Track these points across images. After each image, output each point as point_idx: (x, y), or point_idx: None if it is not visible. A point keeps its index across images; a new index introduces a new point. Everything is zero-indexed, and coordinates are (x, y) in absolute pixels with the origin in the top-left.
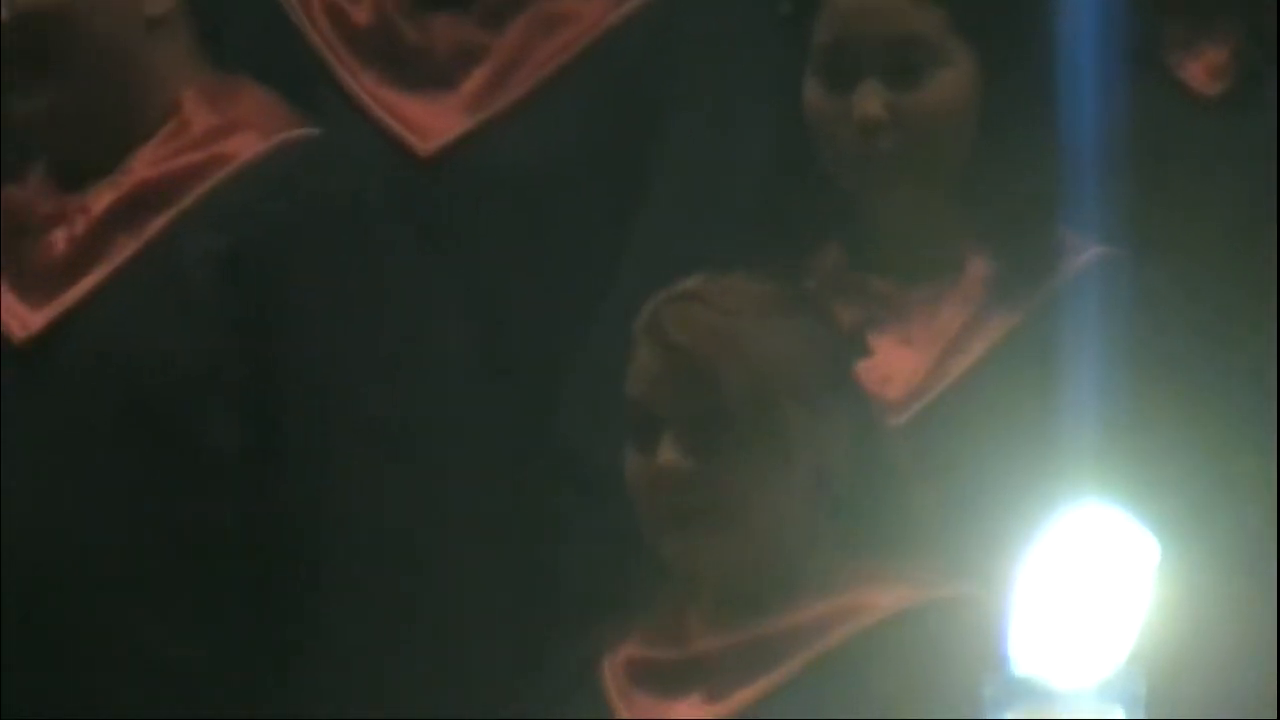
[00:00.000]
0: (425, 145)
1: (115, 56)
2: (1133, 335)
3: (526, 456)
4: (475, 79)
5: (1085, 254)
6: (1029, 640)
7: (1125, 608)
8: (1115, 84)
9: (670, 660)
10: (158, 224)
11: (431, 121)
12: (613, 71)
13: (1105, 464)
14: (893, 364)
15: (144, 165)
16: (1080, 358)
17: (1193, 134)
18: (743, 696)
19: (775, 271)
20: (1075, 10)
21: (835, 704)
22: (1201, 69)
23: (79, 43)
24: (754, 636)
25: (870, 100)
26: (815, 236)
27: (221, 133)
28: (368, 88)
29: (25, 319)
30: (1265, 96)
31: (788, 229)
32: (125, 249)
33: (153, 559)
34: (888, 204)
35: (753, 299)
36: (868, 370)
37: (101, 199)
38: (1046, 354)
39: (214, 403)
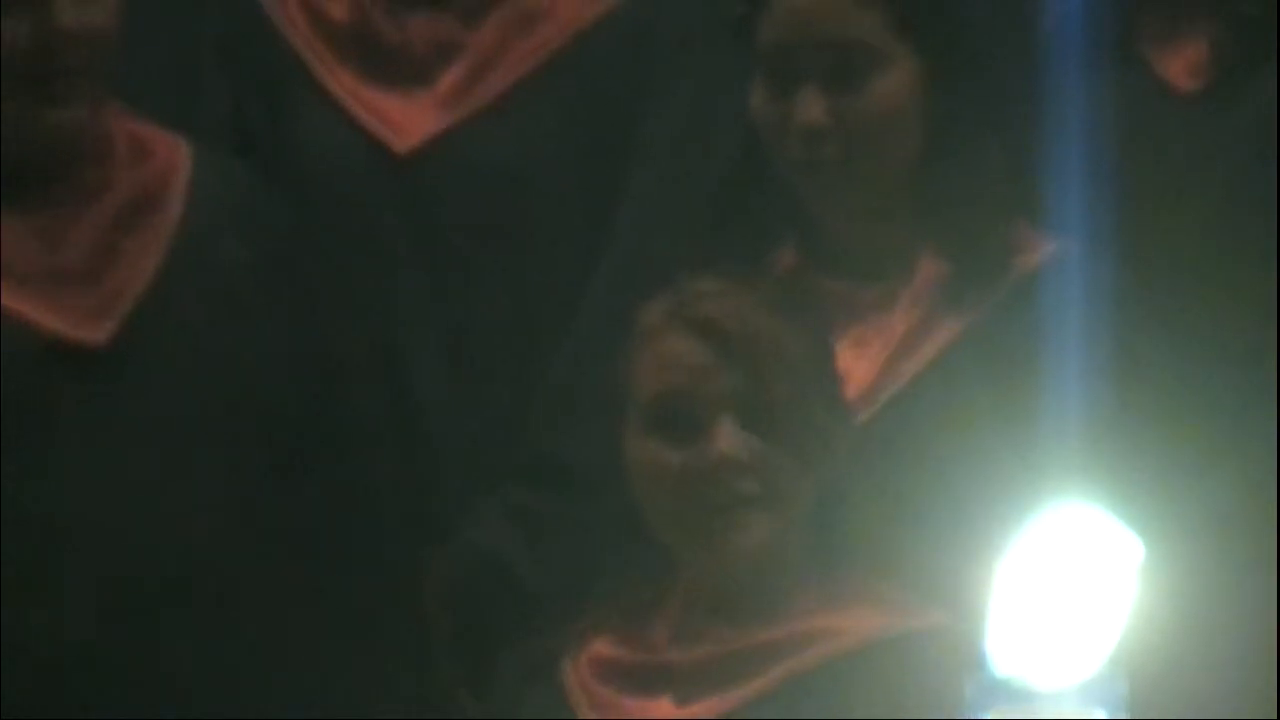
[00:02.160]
0: (402, 143)
1: None
2: (1103, 332)
3: (498, 455)
4: (452, 76)
5: (1040, 251)
6: (1010, 641)
7: (1107, 608)
8: (1092, 80)
9: (639, 662)
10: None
11: (408, 119)
12: (588, 70)
13: (1083, 463)
14: (846, 366)
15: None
16: (1048, 355)
17: (1170, 130)
18: (711, 705)
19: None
20: (1052, 6)
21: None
22: (1180, 65)
23: None
24: (726, 649)
25: (811, 107)
26: (772, 238)
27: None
28: (345, 85)
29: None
30: (1242, 92)
31: (746, 230)
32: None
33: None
34: (836, 208)
35: (769, 300)
36: None
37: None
38: (1005, 353)
39: None
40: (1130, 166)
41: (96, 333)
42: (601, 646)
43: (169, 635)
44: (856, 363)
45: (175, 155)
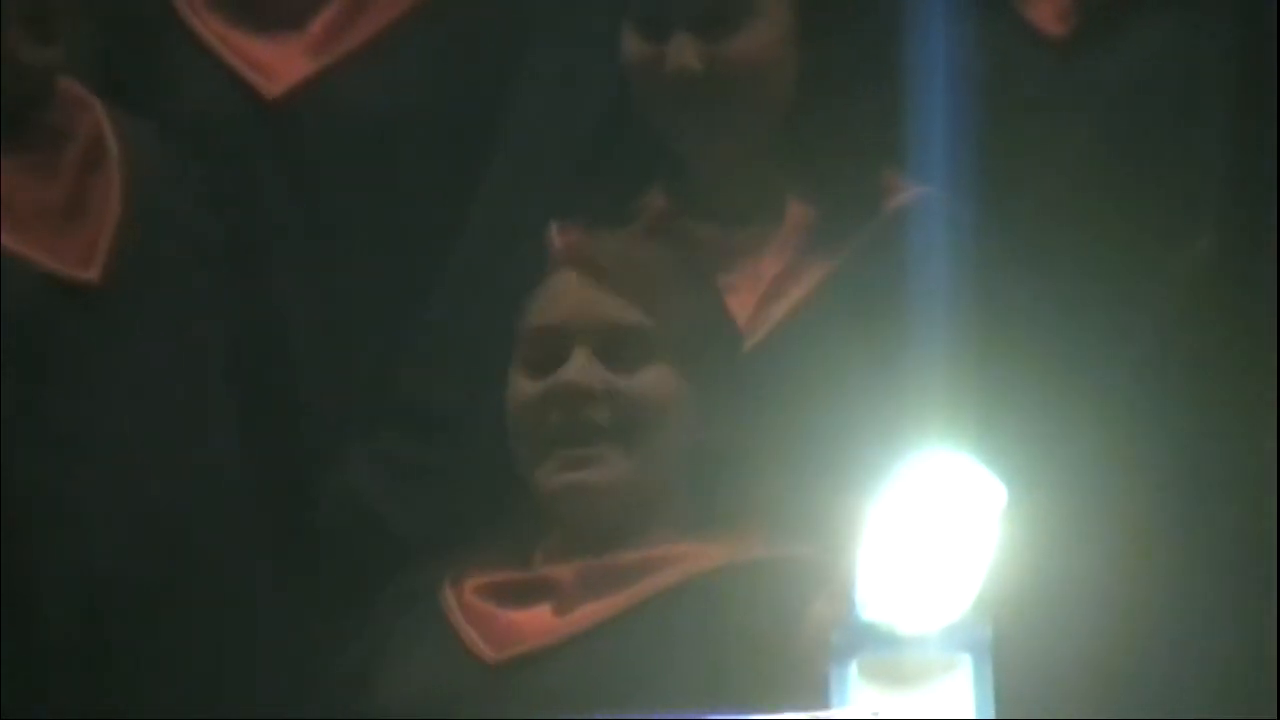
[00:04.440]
0: (273, 87)
1: None
2: (968, 277)
3: (368, 403)
4: (323, 20)
5: (906, 195)
6: (876, 585)
7: (971, 552)
8: (960, 27)
9: (517, 580)
10: None
11: (279, 63)
12: (459, 15)
13: (948, 407)
14: None
15: None
16: (914, 299)
17: (1037, 77)
18: (590, 611)
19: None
20: None
21: (679, 634)
22: (1048, 9)
23: None
24: (602, 564)
25: (684, 51)
26: (642, 184)
27: None
28: (215, 30)
29: None
30: (1110, 38)
31: (617, 176)
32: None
33: None
34: (707, 153)
35: (645, 238)
36: None
37: None
38: (872, 297)
39: None
40: (996, 113)
41: (87, 272)
42: (478, 574)
43: (179, 557)
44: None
45: (94, 106)
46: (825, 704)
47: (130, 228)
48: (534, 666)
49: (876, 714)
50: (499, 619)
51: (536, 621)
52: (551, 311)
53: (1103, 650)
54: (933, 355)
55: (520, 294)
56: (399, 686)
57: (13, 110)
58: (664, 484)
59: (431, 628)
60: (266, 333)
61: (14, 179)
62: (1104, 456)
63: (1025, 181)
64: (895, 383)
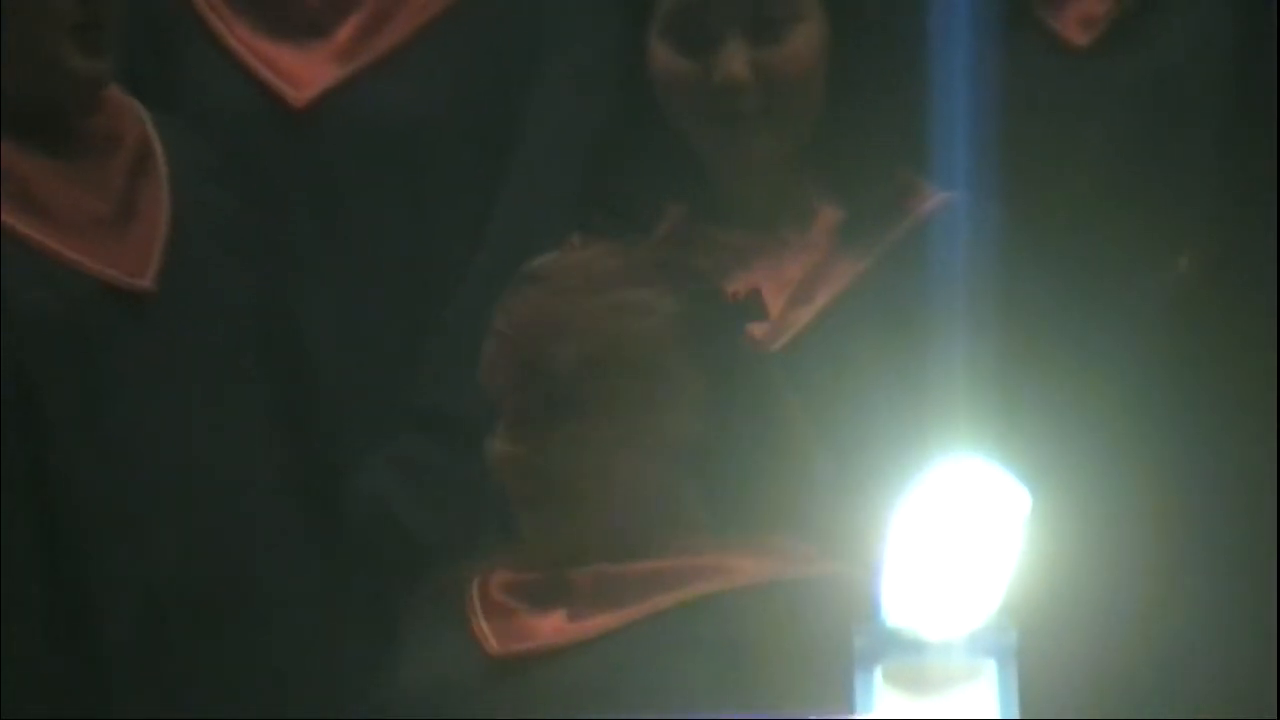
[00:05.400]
0: (299, 95)
1: None
2: (991, 283)
3: (388, 407)
4: (348, 29)
5: (931, 201)
6: (900, 592)
7: (995, 558)
8: (985, 35)
9: (536, 580)
10: None
11: (305, 71)
12: (484, 22)
13: (971, 413)
14: None
15: None
16: (937, 306)
17: (1060, 84)
18: (603, 622)
19: (638, 239)
20: None
21: (693, 647)
22: (1074, 18)
23: None
24: (621, 571)
25: (735, 61)
26: (662, 189)
27: None
28: (241, 37)
29: None
30: (1133, 45)
31: (637, 181)
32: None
33: None
34: (740, 160)
35: (595, 274)
36: None
37: None
38: (895, 304)
39: None
40: (1021, 119)
41: (142, 279)
42: (499, 575)
43: (229, 563)
44: None
45: (138, 113)
46: (849, 711)
47: (176, 233)
48: (542, 665)
49: None
50: (514, 616)
51: (550, 625)
52: (485, 374)
53: (1127, 656)
54: (957, 360)
55: None
56: (414, 680)
57: (64, 119)
58: (686, 496)
59: (452, 623)
60: (293, 336)
61: (67, 187)
62: (1128, 461)
63: (1049, 186)
64: (919, 387)
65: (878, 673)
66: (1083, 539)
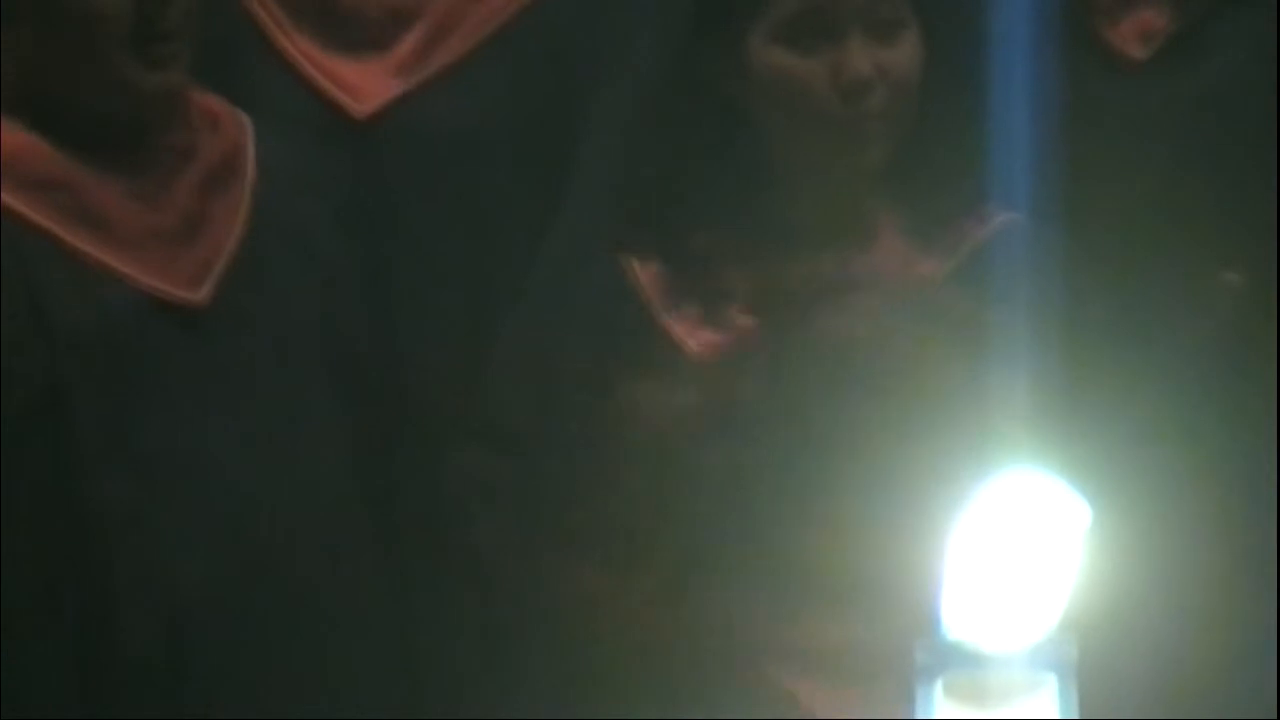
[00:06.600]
0: (361, 108)
1: None
2: (1053, 301)
3: (448, 423)
4: (409, 42)
5: (992, 222)
6: (961, 605)
7: (1056, 572)
8: (1042, 53)
9: None
10: None
11: (366, 84)
12: (544, 35)
13: (1032, 429)
14: None
15: None
16: (998, 324)
17: (1118, 102)
18: None
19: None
20: None
21: None
22: (1132, 32)
23: None
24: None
25: (861, 58)
26: (726, 204)
27: None
28: (302, 50)
29: None
30: (1190, 61)
31: (699, 196)
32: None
33: None
34: (829, 172)
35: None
36: None
37: None
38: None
39: None
40: (1079, 138)
41: (196, 293)
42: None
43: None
44: None
45: (240, 123)
46: None
47: (249, 246)
48: None
49: None
50: None
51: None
52: None
53: (1187, 669)
54: (1018, 376)
55: (596, 313)
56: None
57: (141, 134)
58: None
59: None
60: (354, 350)
61: (126, 202)
62: (1189, 474)
63: (1107, 202)
64: (981, 402)
65: (939, 685)
66: (1143, 553)
